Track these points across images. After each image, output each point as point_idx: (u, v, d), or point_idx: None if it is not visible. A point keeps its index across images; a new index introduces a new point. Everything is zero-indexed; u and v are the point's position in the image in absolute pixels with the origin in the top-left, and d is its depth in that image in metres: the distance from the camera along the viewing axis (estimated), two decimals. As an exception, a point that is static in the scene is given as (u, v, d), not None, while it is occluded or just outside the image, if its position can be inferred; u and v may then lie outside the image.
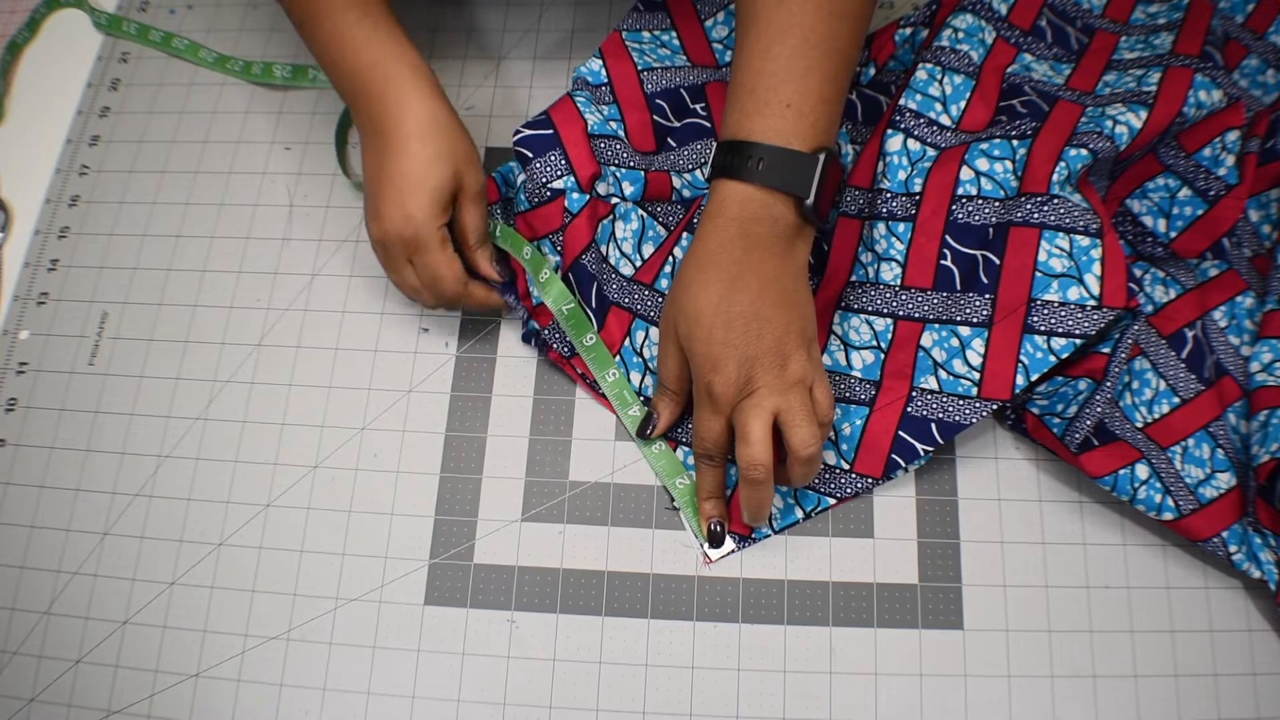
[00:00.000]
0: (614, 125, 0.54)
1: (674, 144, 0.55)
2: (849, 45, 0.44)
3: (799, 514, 0.49)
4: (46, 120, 0.62)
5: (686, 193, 0.54)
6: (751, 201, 0.43)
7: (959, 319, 0.48)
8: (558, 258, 0.53)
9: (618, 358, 0.51)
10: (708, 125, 0.55)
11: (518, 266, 0.53)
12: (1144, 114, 0.48)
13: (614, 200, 0.53)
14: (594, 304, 0.52)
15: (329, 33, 0.47)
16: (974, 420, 0.46)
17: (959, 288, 0.48)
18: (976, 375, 0.47)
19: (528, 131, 0.53)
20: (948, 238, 0.48)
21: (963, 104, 0.51)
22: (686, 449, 0.50)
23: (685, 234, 0.52)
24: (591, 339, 0.51)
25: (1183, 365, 0.49)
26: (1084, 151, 0.47)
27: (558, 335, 0.52)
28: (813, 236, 0.46)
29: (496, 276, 0.51)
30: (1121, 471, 0.45)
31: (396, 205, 0.46)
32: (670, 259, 0.52)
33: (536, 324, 0.52)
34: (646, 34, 0.57)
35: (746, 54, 0.44)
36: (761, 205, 0.43)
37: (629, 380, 0.51)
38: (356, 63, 0.47)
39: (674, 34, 0.57)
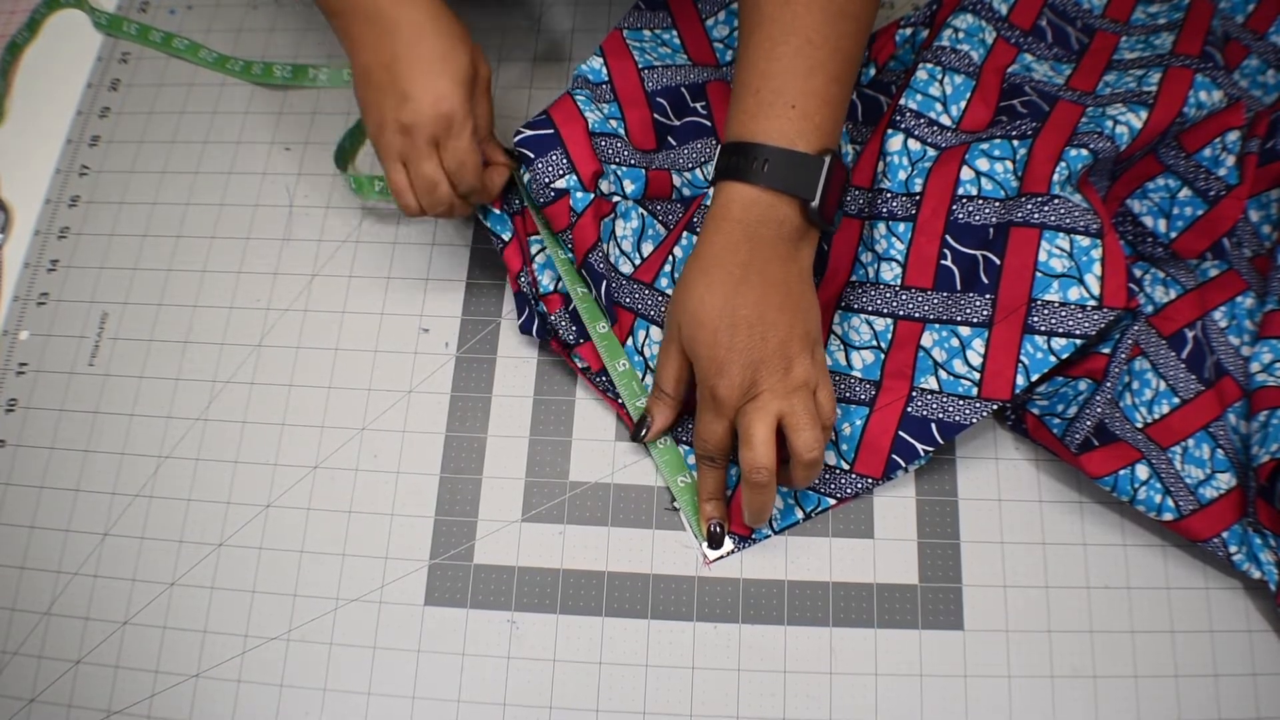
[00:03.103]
0: (614, 123, 0.54)
1: (674, 142, 0.55)
2: (853, 46, 0.44)
3: (799, 514, 0.49)
4: (46, 120, 0.62)
5: (686, 191, 0.54)
6: (756, 204, 0.43)
7: (959, 319, 0.48)
8: (570, 255, 0.53)
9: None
10: (708, 124, 0.55)
11: (520, 253, 0.53)
12: (1144, 114, 0.48)
13: (615, 199, 0.53)
14: (603, 302, 0.52)
15: None
16: (974, 420, 0.46)
17: (959, 288, 0.48)
18: (977, 375, 0.47)
19: (528, 132, 0.53)
20: (948, 238, 0.48)
21: (963, 104, 0.51)
22: (688, 448, 0.50)
23: (685, 233, 0.52)
24: (604, 327, 0.51)
25: (1183, 365, 0.49)
26: (1084, 151, 0.47)
27: (564, 321, 0.51)
28: (817, 239, 0.46)
29: (508, 163, 0.51)
30: (1121, 472, 0.45)
31: (428, 85, 0.44)
32: (670, 258, 0.52)
33: (545, 308, 0.52)
34: (647, 33, 0.57)
35: (750, 55, 0.44)
36: (767, 207, 0.43)
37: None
38: None
39: (675, 33, 0.57)
